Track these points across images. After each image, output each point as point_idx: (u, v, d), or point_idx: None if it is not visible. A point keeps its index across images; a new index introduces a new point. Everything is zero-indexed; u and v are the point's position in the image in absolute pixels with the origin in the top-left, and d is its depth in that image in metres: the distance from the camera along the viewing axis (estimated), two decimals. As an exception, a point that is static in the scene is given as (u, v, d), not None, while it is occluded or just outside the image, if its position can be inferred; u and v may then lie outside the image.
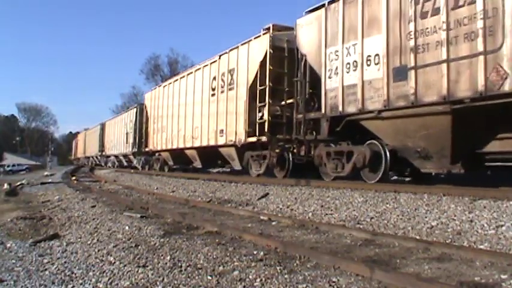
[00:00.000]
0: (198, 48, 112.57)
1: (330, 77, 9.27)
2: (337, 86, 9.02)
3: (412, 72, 7.44)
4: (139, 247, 5.15)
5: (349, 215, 6.61)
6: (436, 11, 7.12)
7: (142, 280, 3.93)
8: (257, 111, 12.16)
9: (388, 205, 6.57)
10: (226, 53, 14.20)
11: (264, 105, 11.89)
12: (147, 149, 22.52)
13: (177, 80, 18.93)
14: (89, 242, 5.86)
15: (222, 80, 14.23)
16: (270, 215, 7.17)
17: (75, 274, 4.39)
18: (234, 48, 13.71)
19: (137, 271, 4.18)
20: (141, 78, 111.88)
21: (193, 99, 16.46)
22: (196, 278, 3.80)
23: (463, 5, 6.72)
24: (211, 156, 15.55)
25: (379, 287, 3.29)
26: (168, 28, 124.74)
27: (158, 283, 3.79)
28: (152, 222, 6.77)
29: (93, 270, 4.43)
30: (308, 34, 10.02)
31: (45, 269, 4.72)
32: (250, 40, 12.78)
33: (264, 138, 11.82)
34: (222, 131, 13.96)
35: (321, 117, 9.51)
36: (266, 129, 11.72)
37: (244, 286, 3.52)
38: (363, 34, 8.46)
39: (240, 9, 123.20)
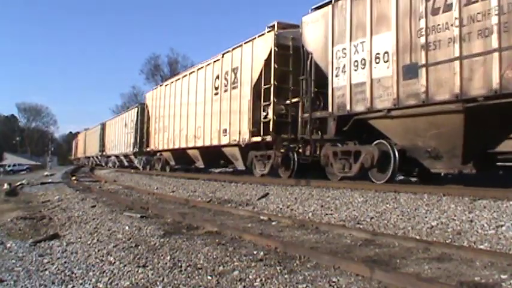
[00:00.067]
0: (198, 48, 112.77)
1: (337, 75, 9.08)
2: (345, 85, 8.84)
3: (423, 69, 7.26)
4: (139, 247, 5.14)
5: (349, 215, 6.59)
6: (448, 7, 6.95)
7: (142, 280, 3.92)
8: (261, 110, 11.96)
9: (388, 205, 6.55)
10: (229, 51, 14.01)
11: (269, 104, 11.70)
12: (148, 149, 22.34)
13: (179, 79, 18.74)
14: (89, 242, 5.83)
15: (226, 78, 14.04)
16: (270, 215, 7.15)
17: (75, 274, 4.38)
18: (237, 47, 13.52)
19: (137, 271, 4.16)
20: (141, 78, 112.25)
21: (196, 98, 16.27)
22: (196, 278, 3.79)
23: (476, 1, 6.55)
24: (214, 156, 15.37)
25: (379, 287, 3.28)
26: (168, 28, 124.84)
27: (158, 283, 3.78)
28: (152, 222, 6.76)
29: (93, 270, 4.41)
30: (314, 32, 9.84)
31: (45, 269, 4.70)
32: (254, 38, 12.60)
33: (268, 138, 11.62)
34: (225, 130, 13.77)
35: (328, 116, 9.32)
36: (271, 129, 11.52)
37: (244, 286, 3.51)
38: (372, 31, 8.28)
39: (240, 9, 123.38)
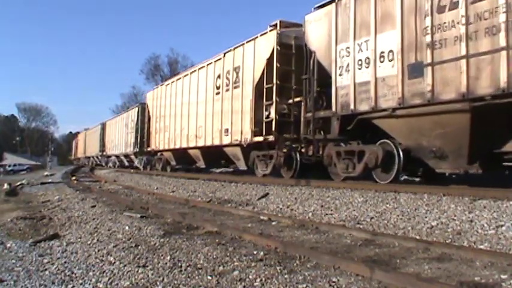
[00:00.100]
0: (198, 48, 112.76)
1: (340, 74, 8.99)
2: (349, 84, 8.74)
3: (429, 68, 7.16)
4: (139, 247, 5.13)
5: (349, 215, 6.58)
6: (454, 5, 6.85)
7: (142, 280, 3.92)
8: (264, 109, 11.86)
9: (388, 205, 6.54)
10: (231, 50, 13.91)
11: (271, 104, 11.59)
12: (149, 149, 22.24)
13: (180, 78, 18.63)
14: (89, 242, 5.83)
15: (227, 78, 13.93)
16: (270, 215, 7.14)
17: (75, 274, 4.37)
18: (239, 46, 13.42)
19: (137, 271, 4.16)
20: (141, 78, 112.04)
21: (197, 97, 16.16)
22: (196, 278, 3.79)
23: (483, -1, 6.45)
24: (215, 156, 15.27)
25: (379, 287, 3.27)
26: (168, 28, 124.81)
27: (158, 283, 3.78)
28: (152, 222, 6.75)
29: (93, 270, 4.41)
30: (317, 30, 9.75)
31: (45, 269, 4.69)
32: (257, 37, 12.49)
33: (271, 138, 11.50)
34: (227, 130, 13.66)
35: (331, 116, 9.22)
36: (273, 128, 11.41)
37: (244, 286, 3.51)
38: (376, 30, 8.19)
39: (240, 9, 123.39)
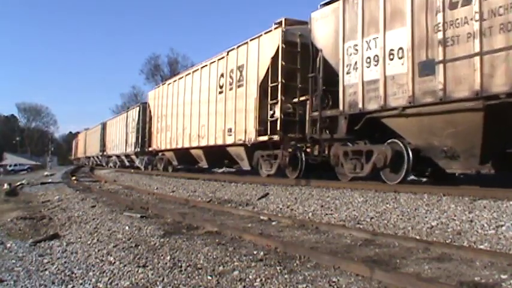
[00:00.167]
0: (198, 48, 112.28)
1: (348, 73, 8.80)
2: (357, 82, 8.56)
3: (441, 66, 6.97)
4: (139, 247, 5.15)
5: (349, 215, 6.59)
6: (467, 1, 6.67)
7: (142, 280, 3.92)
8: (268, 108, 11.66)
9: (388, 205, 6.54)
10: (234, 49, 13.72)
11: (276, 103, 11.40)
12: (150, 149, 22.03)
13: (182, 77, 18.43)
14: (89, 242, 5.83)
15: (231, 76, 13.75)
16: (270, 215, 7.16)
17: (75, 274, 4.38)
18: (243, 44, 13.23)
19: (137, 271, 4.17)
20: (141, 78, 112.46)
21: (200, 97, 15.97)
22: (196, 278, 3.80)
23: (498, -6, 6.27)
24: (218, 155, 15.06)
25: (379, 287, 3.28)
26: (168, 28, 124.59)
27: (158, 283, 3.79)
28: (152, 222, 6.77)
29: (93, 270, 4.42)
30: (324, 28, 9.57)
31: (45, 269, 4.69)
32: (261, 35, 12.30)
33: (275, 137, 11.29)
34: (230, 129, 13.47)
35: (338, 115, 9.03)
36: (278, 128, 11.22)
37: (244, 286, 3.52)
38: (385, 27, 8.00)
39: (240, 9, 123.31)
